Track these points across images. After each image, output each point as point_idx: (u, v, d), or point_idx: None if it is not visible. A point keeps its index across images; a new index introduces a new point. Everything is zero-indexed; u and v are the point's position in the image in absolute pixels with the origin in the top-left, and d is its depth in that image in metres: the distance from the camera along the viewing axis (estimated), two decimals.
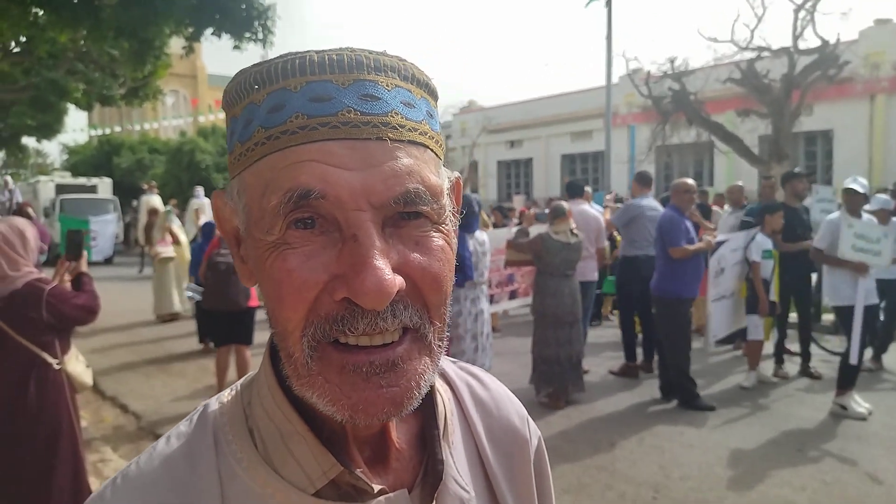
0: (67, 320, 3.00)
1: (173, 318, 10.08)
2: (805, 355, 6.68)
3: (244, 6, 7.36)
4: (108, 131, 32.68)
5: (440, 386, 0.73)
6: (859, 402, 5.40)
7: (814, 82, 12.08)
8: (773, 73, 12.26)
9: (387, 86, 0.55)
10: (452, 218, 0.61)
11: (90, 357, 4.46)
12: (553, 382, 5.68)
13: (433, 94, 0.61)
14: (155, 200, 12.92)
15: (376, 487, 0.61)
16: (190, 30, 7.48)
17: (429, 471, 0.66)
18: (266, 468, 0.59)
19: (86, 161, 30.26)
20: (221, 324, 5.80)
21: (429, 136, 0.58)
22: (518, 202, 15.64)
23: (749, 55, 12.57)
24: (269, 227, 0.54)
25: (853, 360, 5.32)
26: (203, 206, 11.68)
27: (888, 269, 6.03)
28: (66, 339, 3.08)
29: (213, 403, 0.65)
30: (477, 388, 0.78)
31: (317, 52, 0.55)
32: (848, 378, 5.39)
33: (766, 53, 12.44)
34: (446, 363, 0.78)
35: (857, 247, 5.35)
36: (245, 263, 0.62)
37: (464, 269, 5.03)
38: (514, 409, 0.79)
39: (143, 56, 7.94)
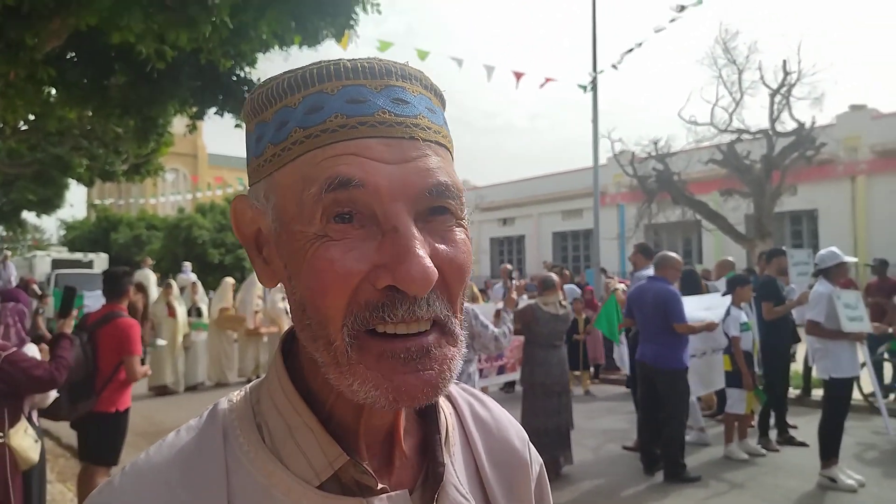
0: (20, 388, 2.84)
1: (163, 390, 10.02)
2: (784, 422, 6.76)
3: (246, 87, 7.74)
4: (107, 202, 33.02)
5: (442, 401, 0.74)
6: (849, 475, 5.37)
7: (793, 163, 12.54)
8: (754, 155, 12.73)
9: (412, 92, 0.61)
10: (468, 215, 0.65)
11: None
12: (544, 453, 5.64)
13: (444, 104, 0.67)
14: (146, 275, 12.81)
15: (379, 484, 0.62)
16: (193, 109, 7.82)
17: (429, 475, 0.68)
18: (272, 461, 0.61)
19: (83, 236, 30.48)
20: None
21: (448, 139, 0.64)
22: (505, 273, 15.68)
23: (729, 137, 13.07)
24: (310, 217, 0.56)
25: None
26: (189, 282, 11.98)
27: None
28: (15, 409, 2.90)
29: (223, 402, 0.68)
30: (478, 408, 0.80)
31: (348, 59, 0.60)
32: (830, 448, 5.38)
33: (745, 136, 12.94)
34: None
35: (850, 317, 5.33)
36: (268, 265, 0.64)
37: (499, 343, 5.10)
38: (515, 431, 0.81)
39: (147, 133, 8.26)
